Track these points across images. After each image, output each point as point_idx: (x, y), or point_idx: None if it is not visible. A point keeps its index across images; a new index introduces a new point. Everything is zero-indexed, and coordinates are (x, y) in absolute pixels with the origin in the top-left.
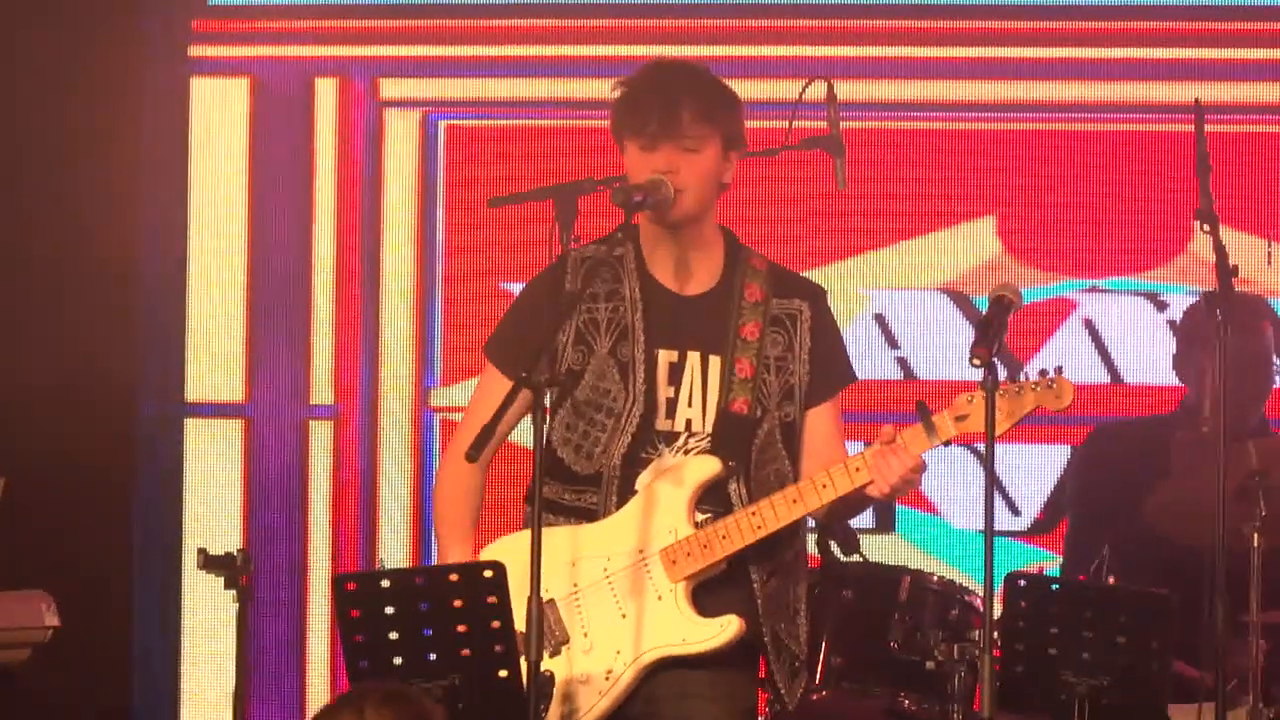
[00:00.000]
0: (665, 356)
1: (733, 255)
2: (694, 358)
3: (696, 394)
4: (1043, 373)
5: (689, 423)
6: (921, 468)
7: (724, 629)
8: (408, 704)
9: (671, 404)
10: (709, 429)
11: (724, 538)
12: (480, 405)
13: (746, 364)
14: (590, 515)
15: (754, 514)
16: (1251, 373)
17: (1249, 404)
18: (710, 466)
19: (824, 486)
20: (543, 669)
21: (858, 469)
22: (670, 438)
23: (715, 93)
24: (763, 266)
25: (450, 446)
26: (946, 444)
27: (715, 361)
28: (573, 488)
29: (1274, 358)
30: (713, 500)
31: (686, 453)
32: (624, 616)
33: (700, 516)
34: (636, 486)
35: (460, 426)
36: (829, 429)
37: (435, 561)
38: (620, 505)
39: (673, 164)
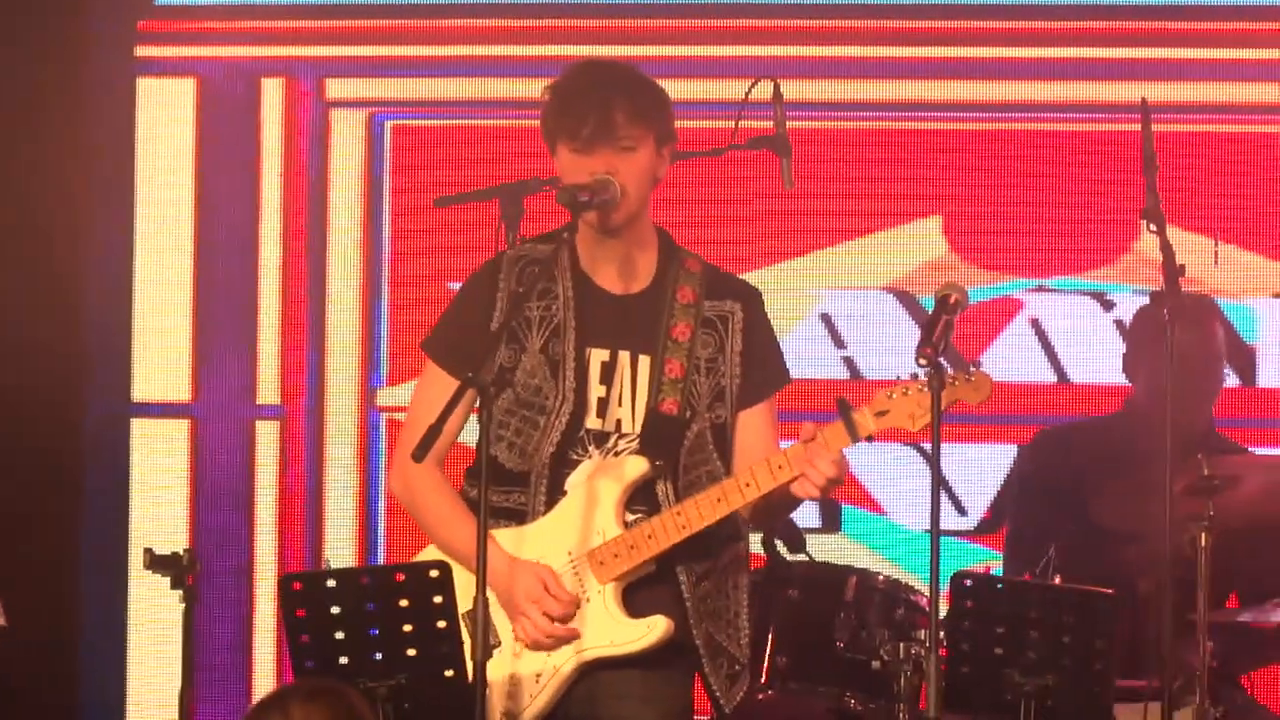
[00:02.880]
0: (597, 355)
1: (667, 256)
2: (624, 357)
3: (626, 394)
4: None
5: (619, 423)
6: (844, 464)
7: (650, 630)
8: (334, 698)
9: (603, 403)
10: (638, 429)
11: (650, 538)
12: (425, 403)
13: (676, 365)
14: (518, 515)
15: (679, 514)
16: (1201, 373)
17: (1198, 404)
18: (638, 467)
19: (747, 485)
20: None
21: (780, 466)
22: (601, 437)
23: (646, 91)
24: (697, 268)
25: (399, 449)
26: (868, 440)
27: (645, 361)
28: (500, 488)
29: (1224, 359)
30: (640, 501)
31: (616, 454)
32: (553, 620)
33: (630, 518)
34: (566, 487)
35: (405, 426)
36: (762, 431)
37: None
38: (548, 505)
39: (611, 166)
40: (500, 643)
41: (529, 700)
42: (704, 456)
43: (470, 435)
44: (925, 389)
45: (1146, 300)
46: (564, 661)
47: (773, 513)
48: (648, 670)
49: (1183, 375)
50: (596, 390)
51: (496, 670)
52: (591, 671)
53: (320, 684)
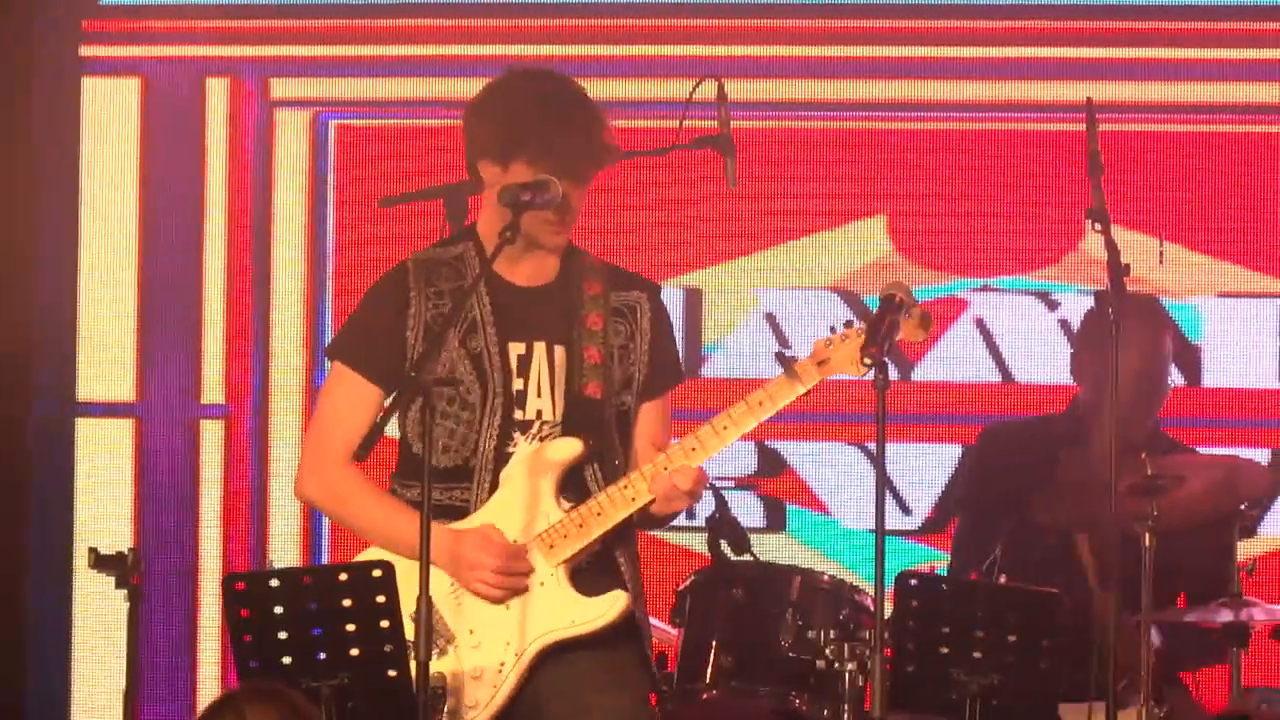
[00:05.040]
0: (514, 348)
1: (568, 253)
2: (540, 348)
3: (545, 384)
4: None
5: (539, 413)
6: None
7: (613, 605)
8: (284, 701)
9: (521, 395)
10: (559, 417)
11: (599, 515)
12: (332, 408)
13: (594, 351)
14: (460, 512)
15: (626, 487)
16: (1148, 383)
17: (1143, 412)
18: (571, 448)
19: (693, 450)
20: (432, 672)
21: (725, 427)
22: (524, 427)
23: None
24: (598, 264)
25: (308, 455)
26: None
27: (560, 351)
28: (439, 485)
29: (1170, 366)
30: (568, 487)
31: (542, 439)
32: (508, 607)
33: (566, 505)
34: (500, 479)
35: (313, 431)
36: (661, 424)
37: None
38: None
39: (575, 200)
40: (454, 638)
41: (491, 692)
42: (612, 441)
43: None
44: (864, 333)
45: (1093, 301)
46: (524, 649)
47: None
48: (605, 655)
49: (1129, 384)
50: (515, 383)
51: (458, 664)
52: (547, 662)
53: (264, 686)
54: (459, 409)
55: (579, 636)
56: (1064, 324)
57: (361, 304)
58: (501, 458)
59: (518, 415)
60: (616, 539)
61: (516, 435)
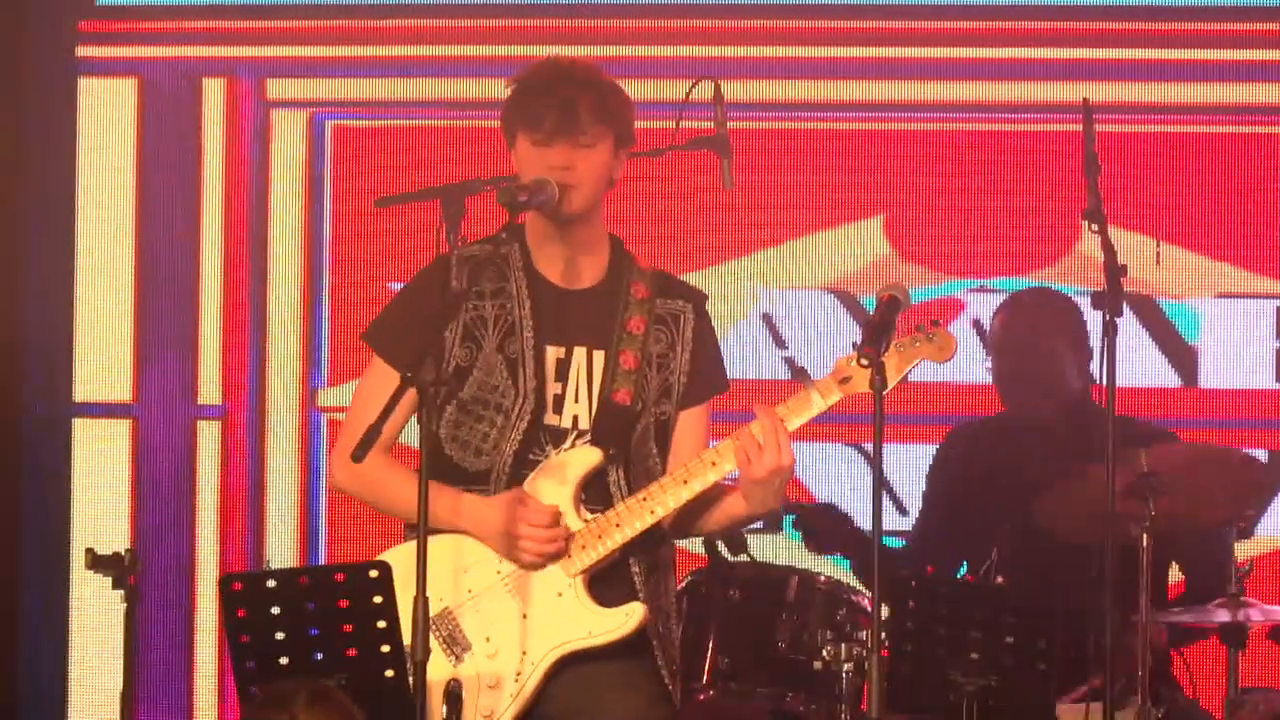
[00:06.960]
0: (553, 353)
1: (618, 256)
2: (580, 353)
3: (583, 389)
4: (918, 327)
5: (576, 419)
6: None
7: (630, 617)
8: (334, 703)
9: (559, 400)
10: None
11: (618, 527)
12: (371, 397)
13: (631, 356)
14: None
15: (645, 499)
16: (1023, 360)
17: (1039, 386)
18: (591, 457)
19: (713, 464)
20: (449, 678)
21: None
22: (558, 435)
23: (610, 91)
24: (648, 269)
25: (341, 441)
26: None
27: (600, 356)
28: (462, 487)
29: (1039, 337)
30: (592, 495)
31: (576, 445)
32: (525, 616)
33: (588, 516)
34: (524, 487)
35: (348, 419)
36: (700, 433)
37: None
38: None
39: (568, 160)
40: (471, 646)
41: (508, 701)
42: (646, 451)
43: (410, 435)
44: (894, 351)
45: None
46: (541, 659)
47: (721, 521)
48: (620, 660)
49: (1014, 370)
50: (553, 388)
51: (474, 671)
52: (564, 669)
53: (319, 688)
54: (493, 412)
55: (595, 647)
56: None
57: (400, 295)
58: (522, 463)
59: (554, 421)
60: (637, 549)
61: (547, 443)
